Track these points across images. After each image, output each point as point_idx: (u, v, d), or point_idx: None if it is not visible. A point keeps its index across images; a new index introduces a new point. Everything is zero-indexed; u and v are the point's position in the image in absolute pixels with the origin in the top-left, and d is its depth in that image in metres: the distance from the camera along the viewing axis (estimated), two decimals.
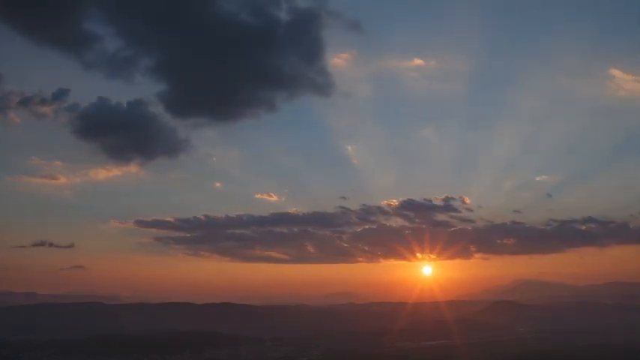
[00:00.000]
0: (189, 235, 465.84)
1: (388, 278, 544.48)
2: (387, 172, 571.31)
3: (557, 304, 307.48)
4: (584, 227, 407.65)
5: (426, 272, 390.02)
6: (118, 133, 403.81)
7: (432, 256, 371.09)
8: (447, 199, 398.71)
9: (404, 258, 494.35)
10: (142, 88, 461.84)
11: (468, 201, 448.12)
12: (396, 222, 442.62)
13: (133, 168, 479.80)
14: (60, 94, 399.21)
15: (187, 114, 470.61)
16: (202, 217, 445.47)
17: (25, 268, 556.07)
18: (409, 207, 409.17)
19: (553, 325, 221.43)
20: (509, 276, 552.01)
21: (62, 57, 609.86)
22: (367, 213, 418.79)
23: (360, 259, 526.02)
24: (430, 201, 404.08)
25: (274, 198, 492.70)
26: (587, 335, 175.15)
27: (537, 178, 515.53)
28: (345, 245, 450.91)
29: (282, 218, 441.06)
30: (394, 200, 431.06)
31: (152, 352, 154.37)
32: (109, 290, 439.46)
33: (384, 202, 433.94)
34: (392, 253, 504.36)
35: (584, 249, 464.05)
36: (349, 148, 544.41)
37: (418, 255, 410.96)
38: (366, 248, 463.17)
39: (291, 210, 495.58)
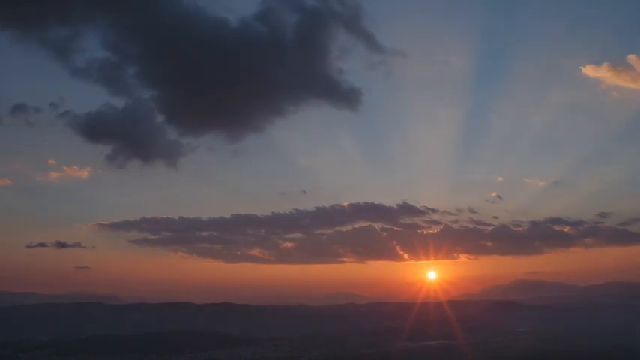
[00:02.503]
0: (160, 236, 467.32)
1: (381, 279, 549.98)
2: (335, 175, 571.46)
3: (558, 304, 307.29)
4: (556, 228, 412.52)
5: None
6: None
7: (421, 257, 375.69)
8: (403, 202, 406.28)
9: (391, 259, 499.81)
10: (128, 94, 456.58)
11: (424, 203, 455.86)
12: (363, 225, 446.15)
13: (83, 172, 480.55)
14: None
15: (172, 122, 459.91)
16: (172, 219, 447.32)
17: (24, 268, 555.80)
18: (367, 209, 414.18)
19: (553, 325, 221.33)
20: (506, 276, 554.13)
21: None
22: (327, 215, 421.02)
23: (346, 259, 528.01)
24: (382, 204, 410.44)
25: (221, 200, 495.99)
26: (588, 335, 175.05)
27: (481, 180, 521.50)
28: (330, 246, 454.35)
29: (244, 220, 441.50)
30: (345, 202, 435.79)
31: (152, 352, 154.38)
32: (108, 290, 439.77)
33: (344, 204, 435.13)
34: (376, 254, 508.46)
35: (572, 250, 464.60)
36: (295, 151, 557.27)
37: (405, 256, 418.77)
38: (349, 249, 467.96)
39: (249, 212, 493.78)
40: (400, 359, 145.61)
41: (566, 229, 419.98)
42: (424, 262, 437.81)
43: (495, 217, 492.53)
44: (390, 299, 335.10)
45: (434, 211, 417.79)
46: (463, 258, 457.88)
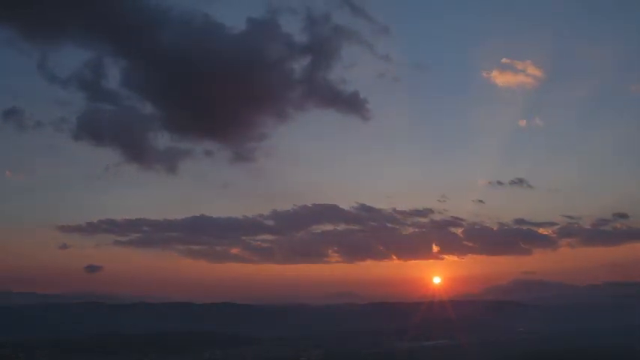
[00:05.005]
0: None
1: (375, 279, 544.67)
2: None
3: (557, 303, 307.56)
4: (524, 227, 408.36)
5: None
6: None
7: (409, 258, 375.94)
8: (361, 205, 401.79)
9: (379, 259, 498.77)
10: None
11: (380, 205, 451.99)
12: (329, 227, 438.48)
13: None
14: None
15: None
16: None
17: (24, 268, 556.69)
18: (323, 211, 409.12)
19: (553, 325, 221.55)
20: (503, 276, 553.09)
21: None
22: (293, 217, 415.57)
23: (334, 259, 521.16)
24: (337, 205, 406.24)
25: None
26: (587, 335, 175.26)
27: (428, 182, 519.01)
28: (318, 246, 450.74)
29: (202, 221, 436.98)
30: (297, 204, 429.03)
31: (152, 352, 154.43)
32: (108, 290, 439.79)
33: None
34: (363, 254, 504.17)
35: (561, 251, 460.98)
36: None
37: (393, 256, 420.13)
38: (336, 249, 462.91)
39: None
40: (401, 359, 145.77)
41: (540, 230, 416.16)
42: (413, 262, 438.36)
43: (459, 218, 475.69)
44: (388, 299, 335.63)
45: (396, 211, 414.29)
46: (450, 258, 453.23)
